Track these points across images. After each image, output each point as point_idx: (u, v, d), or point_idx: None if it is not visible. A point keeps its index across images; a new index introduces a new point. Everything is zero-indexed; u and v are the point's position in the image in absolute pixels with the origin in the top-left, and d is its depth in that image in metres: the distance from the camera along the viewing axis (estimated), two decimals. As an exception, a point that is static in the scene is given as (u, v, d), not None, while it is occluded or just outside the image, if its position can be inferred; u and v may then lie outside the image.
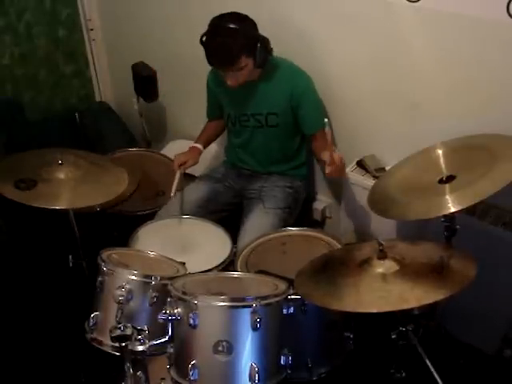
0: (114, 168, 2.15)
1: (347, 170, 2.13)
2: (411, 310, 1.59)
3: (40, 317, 2.26)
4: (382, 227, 1.94)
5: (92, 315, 1.61)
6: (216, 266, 1.87)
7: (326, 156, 1.89)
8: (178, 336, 1.42)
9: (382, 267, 1.45)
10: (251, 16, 1.96)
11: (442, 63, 1.85)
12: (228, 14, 1.94)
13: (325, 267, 1.57)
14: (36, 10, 2.87)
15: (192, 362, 1.36)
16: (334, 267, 1.55)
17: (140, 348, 1.40)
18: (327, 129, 1.71)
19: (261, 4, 2.20)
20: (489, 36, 1.70)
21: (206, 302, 1.38)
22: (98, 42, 3.17)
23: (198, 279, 1.65)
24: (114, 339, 1.38)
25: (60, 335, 2.14)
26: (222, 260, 1.90)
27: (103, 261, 1.63)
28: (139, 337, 1.40)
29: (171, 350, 1.44)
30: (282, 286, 1.51)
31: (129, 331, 1.37)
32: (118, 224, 2.37)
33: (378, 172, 2.04)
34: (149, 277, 1.58)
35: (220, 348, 1.34)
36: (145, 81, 2.71)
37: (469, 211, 1.80)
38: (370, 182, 1.99)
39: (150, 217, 2.21)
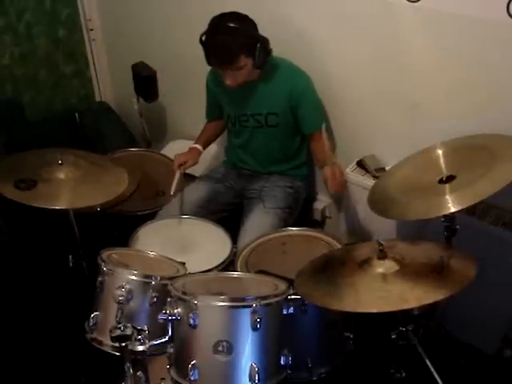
0: (114, 168, 2.15)
1: (347, 170, 2.13)
2: (411, 310, 1.59)
3: (40, 317, 2.26)
4: (382, 227, 1.94)
5: (92, 315, 1.61)
6: (216, 266, 1.87)
7: (327, 172, 1.91)
8: (178, 336, 1.42)
9: (381, 267, 1.45)
10: (251, 16, 1.96)
11: (441, 63, 1.85)
12: (228, 13, 1.94)
13: (325, 267, 1.57)
14: (36, 9, 2.87)
15: (192, 362, 1.36)
16: (334, 267, 1.55)
17: (140, 348, 1.40)
18: (324, 133, 1.71)
19: (260, 4, 2.20)
20: (489, 36, 1.70)
21: (206, 302, 1.38)
22: (98, 42, 3.17)
23: (198, 279, 1.65)
24: (113, 339, 1.38)
25: (60, 335, 2.14)
26: (222, 260, 1.90)
27: (103, 261, 1.63)
28: (139, 337, 1.40)
29: (171, 350, 1.44)
30: (282, 286, 1.51)
31: (129, 331, 1.37)
32: (118, 224, 2.37)
33: (377, 172, 2.04)
34: (149, 277, 1.58)
35: (220, 348, 1.34)
36: (145, 81, 2.71)
37: (469, 211, 1.80)
38: (370, 181, 1.99)
39: (150, 217, 2.21)
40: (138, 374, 1.53)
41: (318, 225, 2.49)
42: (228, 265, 1.90)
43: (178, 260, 1.77)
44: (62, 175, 2.01)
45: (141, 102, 2.82)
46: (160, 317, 1.40)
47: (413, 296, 1.31)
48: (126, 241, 1.99)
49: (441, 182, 1.57)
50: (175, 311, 1.40)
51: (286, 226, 2.02)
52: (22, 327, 2.23)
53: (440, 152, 1.68)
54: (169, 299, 1.43)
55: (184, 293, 1.40)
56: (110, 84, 3.34)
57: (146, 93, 2.75)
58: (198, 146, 2.34)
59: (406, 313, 1.62)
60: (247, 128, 2.22)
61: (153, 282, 1.58)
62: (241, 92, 2.11)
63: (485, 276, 1.41)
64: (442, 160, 1.65)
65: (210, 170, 2.46)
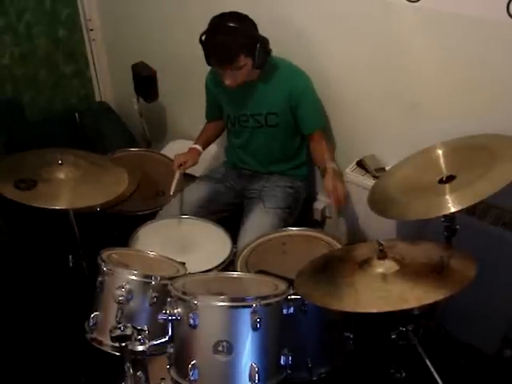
0: (114, 168, 2.15)
1: (347, 170, 2.13)
2: (411, 310, 1.59)
3: (40, 317, 2.26)
4: (382, 227, 1.94)
5: (92, 315, 1.61)
6: (216, 266, 1.87)
7: (328, 184, 1.95)
8: (178, 336, 1.42)
9: (382, 267, 1.45)
10: (250, 16, 1.96)
11: (442, 63, 1.85)
12: (228, 13, 1.94)
13: (325, 267, 1.57)
14: (36, 9, 2.87)
15: (192, 362, 1.36)
16: (334, 267, 1.55)
17: (140, 348, 1.40)
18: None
19: (260, 4, 2.20)
20: (491, 36, 1.70)
21: (206, 302, 1.38)
22: (98, 42, 3.17)
23: (198, 279, 1.65)
24: (113, 339, 1.38)
25: (60, 335, 2.14)
26: (222, 260, 1.90)
27: (103, 261, 1.63)
28: (139, 337, 1.40)
29: (171, 350, 1.44)
30: (282, 286, 1.50)
31: (129, 331, 1.37)
32: (118, 224, 2.37)
33: (378, 172, 2.04)
34: (149, 277, 1.58)
35: (220, 348, 1.34)
36: (145, 81, 2.71)
37: (469, 211, 1.80)
38: (370, 181, 1.99)
39: (150, 217, 2.21)
40: (138, 374, 1.53)
41: (318, 225, 2.49)
42: (228, 265, 1.90)
43: (178, 260, 1.77)
44: (62, 175, 2.01)
45: (141, 101, 2.82)
46: (160, 317, 1.40)
47: (413, 296, 1.31)
48: (126, 241, 1.99)
49: (441, 181, 1.57)
50: (175, 311, 1.40)
51: (285, 226, 2.02)
52: (22, 327, 2.23)
53: (440, 152, 1.68)
54: (169, 299, 1.43)
55: (184, 293, 1.40)
56: (110, 84, 3.34)
57: (146, 93, 2.75)
58: (198, 147, 2.34)
59: (406, 313, 1.62)
60: (247, 128, 2.22)
61: (153, 282, 1.58)
62: (240, 92, 2.11)
63: (485, 276, 1.41)
64: (442, 160, 1.65)
65: (210, 170, 2.46)
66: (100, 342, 1.59)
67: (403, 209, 1.56)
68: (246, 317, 1.35)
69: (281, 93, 2.10)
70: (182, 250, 1.95)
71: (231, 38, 1.89)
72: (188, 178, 2.39)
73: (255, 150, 2.28)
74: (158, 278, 1.58)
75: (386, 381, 1.76)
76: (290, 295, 1.48)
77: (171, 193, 2.19)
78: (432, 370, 1.56)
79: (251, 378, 1.34)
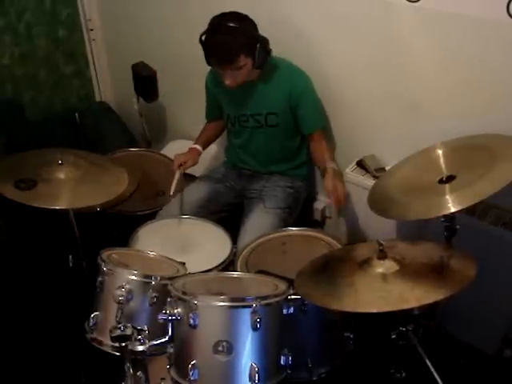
0: (114, 168, 2.15)
1: (347, 170, 2.13)
2: (411, 309, 1.59)
3: (40, 317, 2.26)
4: (382, 227, 1.94)
5: (92, 315, 1.61)
6: (216, 266, 1.87)
7: (328, 184, 1.95)
8: (178, 336, 1.42)
9: (381, 267, 1.45)
10: (250, 16, 1.96)
11: (442, 63, 1.85)
12: (228, 13, 1.94)
13: (325, 267, 1.57)
14: (36, 9, 2.87)
15: (192, 362, 1.36)
16: (334, 267, 1.55)
17: (140, 348, 1.40)
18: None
19: (260, 4, 2.20)
20: (491, 36, 1.70)
21: (206, 301, 1.38)
22: (98, 42, 3.17)
23: (198, 279, 1.65)
24: (113, 339, 1.38)
25: (60, 335, 2.14)
26: (222, 260, 1.90)
27: (103, 261, 1.63)
28: (139, 337, 1.40)
29: (171, 350, 1.44)
30: (282, 286, 1.51)
31: (129, 331, 1.37)
32: (118, 224, 2.37)
33: (378, 172, 2.04)
34: (149, 277, 1.58)
35: (220, 348, 1.34)
36: (145, 81, 2.71)
37: (469, 211, 1.80)
38: (370, 181, 1.99)
39: (150, 217, 2.21)
40: (138, 374, 1.53)
41: (318, 225, 2.49)
42: (228, 265, 1.90)
43: (178, 260, 1.77)
44: (62, 175, 2.01)
45: (141, 101, 2.82)
46: (160, 317, 1.40)
47: (413, 296, 1.31)
48: (126, 241, 1.99)
49: (441, 181, 1.57)
50: (175, 311, 1.40)
51: (285, 226, 2.02)
52: (22, 327, 2.23)
53: (440, 152, 1.68)
54: (169, 299, 1.43)
55: (184, 293, 1.40)
56: (110, 84, 3.34)
57: (146, 93, 2.75)
58: (198, 147, 2.34)
59: (405, 313, 1.62)
60: (247, 128, 2.22)
61: (153, 282, 1.58)
62: (240, 92, 2.11)
63: (485, 276, 1.41)
64: (442, 160, 1.65)
65: (210, 170, 2.46)
66: (100, 342, 1.59)
67: (403, 209, 1.56)
68: (245, 317, 1.35)
69: (281, 93, 2.10)
70: (182, 250, 1.95)
71: (231, 38, 1.89)
72: (188, 178, 2.39)
73: (255, 150, 2.28)
74: (158, 278, 1.58)
75: (386, 381, 1.76)
76: (290, 295, 1.48)
77: (171, 193, 2.19)
78: (432, 369, 1.56)
79: (251, 378, 1.34)
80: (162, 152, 2.75)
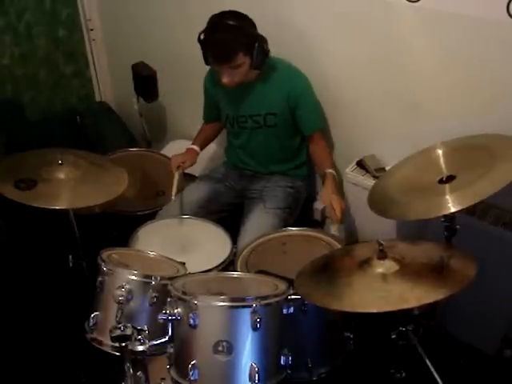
0: (114, 168, 2.15)
1: (347, 170, 2.13)
2: (411, 309, 1.59)
3: (40, 317, 2.26)
4: (382, 227, 1.94)
5: (92, 315, 1.61)
6: (216, 266, 1.87)
7: (326, 198, 1.97)
8: (178, 336, 1.42)
9: (382, 267, 1.44)
10: (250, 16, 1.95)
11: (442, 63, 1.85)
12: (227, 11, 1.94)
13: (325, 267, 1.57)
14: (36, 9, 2.87)
15: (192, 362, 1.36)
16: (334, 267, 1.55)
17: (140, 348, 1.40)
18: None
19: (259, 5, 2.19)
20: (491, 36, 1.70)
21: (206, 301, 1.38)
22: (98, 42, 3.17)
23: (198, 279, 1.65)
24: (113, 339, 1.38)
25: (60, 335, 2.14)
26: (222, 260, 1.90)
27: (103, 261, 1.63)
28: (139, 337, 1.40)
29: (171, 350, 1.44)
30: (282, 286, 1.50)
31: (129, 331, 1.37)
32: (118, 224, 2.37)
33: (378, 172, 2.04)
34: (149, 277, 1.58)
35: (220, 348, 1.34)
36: (145, 81, 2.71)
37: (469, 211, 1.80)
38: (370, 181, 2.00)
39: (150, 217, 2.21)
40: (138, 374, 1.53)
41: (318, 225, 2.49)
42: (228, 265, 1.90)
43: (178, 260, 1.77)
44: (62, 175, 2.01)
45: (141, 101, 2.82)
46: (160, 317, 1.40)
47: (413, 296, 1.31)
48: (126, 241, 1.99)
49: (441, 182, 1.57)
50: (175, 311, 1.40)
51: (286, 226, 2.02)
52: (22, 327, 2.23)
53: (440, 152, 1.68)
54: (169, 299, 1.43)
55: (184, 293, 1.40)
56: (110, 84, 3.34)
57: (146, 93, 2.75)
58: (195, 147, 2.33)
59: (405, 313, 1.62)
60: (246, 129, 2.22)
61: (153, 282, 1.58)
62: (239, 93, 2.11)
63: (485, 276, 1.41)
64: (442, 160, 1.65)
65: (210, 170, 2.46)
66: (100, 342, 1.59)
67: (403, 209, 1.56)
68: (245, 317, 1.35)
69: (279, 93, 2.09)
70: (182, 250, 1.95)
71: (230, 36, 1.89)
72: (188, 178, 2.39)
73: (255, 151, 2.28)
74: (158, 278, 1.58)
75: (386, 381, 1.76)
76: (290, 295, 1.48)
77: (173, 196, 2.19)
78: (432, 369, 1.56)
79: (251, 378, 1.34)
80: (162, 152, 2.75)
